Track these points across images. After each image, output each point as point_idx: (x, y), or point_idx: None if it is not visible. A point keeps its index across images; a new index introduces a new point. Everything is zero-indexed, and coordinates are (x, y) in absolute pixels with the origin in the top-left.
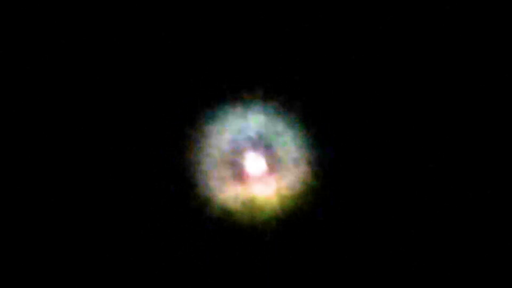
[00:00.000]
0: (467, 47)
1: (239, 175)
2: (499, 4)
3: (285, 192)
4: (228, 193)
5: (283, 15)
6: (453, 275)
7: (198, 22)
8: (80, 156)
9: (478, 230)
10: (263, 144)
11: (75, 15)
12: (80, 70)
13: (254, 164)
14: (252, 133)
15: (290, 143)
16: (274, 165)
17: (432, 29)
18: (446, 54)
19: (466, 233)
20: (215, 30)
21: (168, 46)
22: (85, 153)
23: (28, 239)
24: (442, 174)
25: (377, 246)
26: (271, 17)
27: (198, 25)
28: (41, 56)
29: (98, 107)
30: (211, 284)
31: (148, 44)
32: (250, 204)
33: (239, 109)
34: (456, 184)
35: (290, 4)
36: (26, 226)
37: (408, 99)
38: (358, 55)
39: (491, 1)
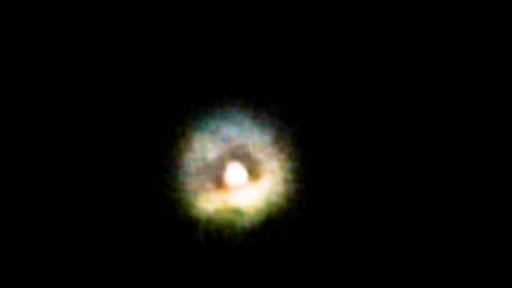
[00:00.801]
0: (466, 47)
1: (220, 184)
2: (499, 4)
3: (266, 200)
4: (209, 202)
5: (262, 25)
6: (450, 274)
7: (182, 35)
8: (59, 162)
9: (475, 230)
10: (244, 153)
11: (61, 12)
12: (67, 70)
13: (235, 173)
14: (232, 142)
15: (271, 152)
16: (255, 174)
17: (425, 29)
18: (440, 55)
19: (463, 233)
20: (198, 41)
21: (152, 55)
22: (65, 160)
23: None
24: (437, 176)
25: (362, 253)
26: (251, 25)
27: (181, 38)
28: (28, 54)
29: (80, 116)
30: None
31: (128, 56)
32: (230, 213)
33: (220, 118)
34: (453, 185)
35: (269, 15)
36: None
37: (395, 107)
38: (342, 64)
39: (491, 1)
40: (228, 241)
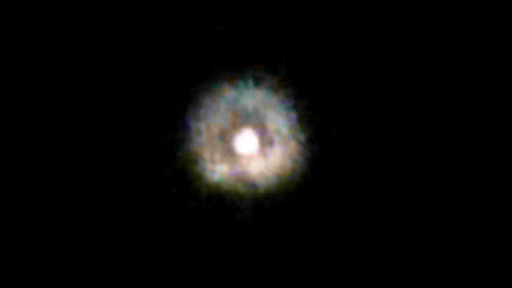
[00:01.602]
0: (463, 47)
1: (231, 152)
2: (499, 4)
3: (278, 170)
4: (220, 170)
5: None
6: (445, 274)
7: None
8: (71, 130)
9: (470, 230)
10: (257, 121)
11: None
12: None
13: (247, 141)
14: (245, 110)
15: (283, 121)
16: (267, 142)
17: (421, 29)
18: (436, 54)
19: (458, 233)
20: (211, 7)
21: (163, 19)
22: (76, 124)
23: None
24: (438, 173)
25: (368, 228)
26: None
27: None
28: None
29: (88, 80)
30: (203, 264)
31: (141, 16)
32: (242, 181)
33: (233, 86)
34: (450, 186)
35: None
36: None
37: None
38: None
39: (491, 1)
40: (237, 211)
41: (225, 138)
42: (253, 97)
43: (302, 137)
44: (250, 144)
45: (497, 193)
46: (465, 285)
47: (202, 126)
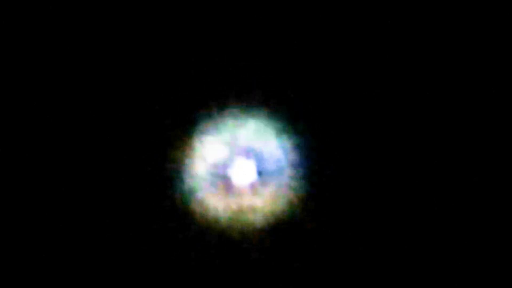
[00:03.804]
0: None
1: (228, 185)
2: (499, 4)
3: (277, 202)
4: (218, 204)
5: (267, 24)
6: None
7: (183, 30)
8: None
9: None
10: (254, 154)
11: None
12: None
13: (245, 174)
14: (242, 143)
15: (281, 153)
16: (265, 175)
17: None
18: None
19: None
20: (202, 41)
21: (154, 53)
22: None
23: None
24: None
25: (369, 252)
26: (256, 24)
27: (184, 34)
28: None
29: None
30: None
31: (130, 53)
32: (240, 215)
33: (229, 118)
34: (448, 187)
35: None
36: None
37: (397, 104)
38: (344, 65)
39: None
40: (237, 243)
41: (222, 170)
42: (251, 128)
43: (301, 168)
44: (248, 177)
45: (495, 193)
46: (465, 285)
47: (198, 158)
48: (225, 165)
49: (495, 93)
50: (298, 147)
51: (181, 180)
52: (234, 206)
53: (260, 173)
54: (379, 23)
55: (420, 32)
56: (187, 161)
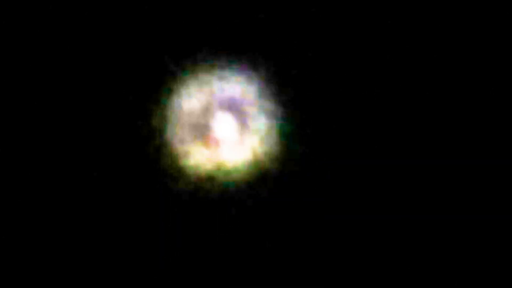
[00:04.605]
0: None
1: (209, 138)
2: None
3: (257, 157)
4: (197, 157)
5: None
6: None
7: None
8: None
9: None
10: (236, 108)
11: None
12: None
13: (225, 127)
14: (224, 96)
15: (263, 109)
16: (245, 129)
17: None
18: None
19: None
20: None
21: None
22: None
23: None
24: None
25: (356, 208)
26: None
27: None
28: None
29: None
30: (180, 257)
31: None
32: (220, 169)
33: (213, 70)
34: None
35: None
36: None
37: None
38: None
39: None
40: (213, 198)
41: (201, 125)
42: (234, 81)
43: (282, 124)
44: (227, 130)
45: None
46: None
47: (177, 112)
48: (207, 118)
49: (495, 93)
50: (283, 102)
51: (162, 133)
52: (215, 159)
53: (240, 127)
54: (370, 26)
55: (416, 33)
56: (168, 113)
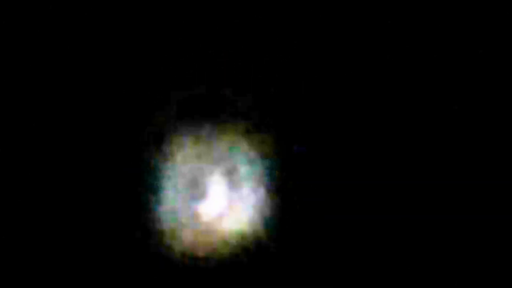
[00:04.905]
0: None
1: (199, 212)
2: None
3: (248, 221)
4: (188, 221)
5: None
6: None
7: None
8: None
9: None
10: (228, 171)
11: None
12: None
13: (217, 190)
14: (217, 159)
15: (255, 170)
16: (235, 201)
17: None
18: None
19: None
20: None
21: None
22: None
23: None
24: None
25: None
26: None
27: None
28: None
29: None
30: None
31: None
32: (209, 242)
33: (204, 132)
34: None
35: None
36: None
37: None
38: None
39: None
40: (205, 268)
41: (194, 186)
42: (226, 144)
43: (275, 186)
44: (221, 194)
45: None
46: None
47: (171, 174)
48: (199, 182)
49: (495, 93)
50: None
51: (154, 202)
52: (203, 234)
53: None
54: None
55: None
56: (159, 176)
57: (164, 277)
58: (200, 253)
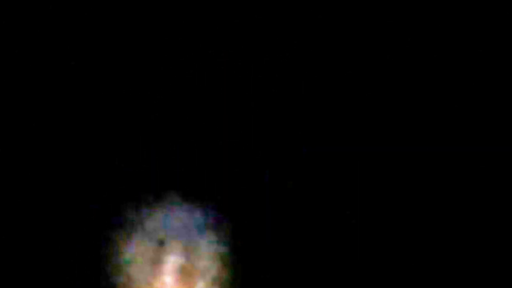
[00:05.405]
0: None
1: (157, 274)
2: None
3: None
4: None
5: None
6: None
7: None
8: None
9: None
10: (183, 243)
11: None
12: None
13: (173, 262)
14: (170, 232)
15: (211, 242)
16: (194, 264)
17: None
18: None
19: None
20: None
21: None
22: None
23: None
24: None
25: None
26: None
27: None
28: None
29: None
30: None
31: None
32: None
33: (158, 206)
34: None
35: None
36: None
37: None
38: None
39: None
40: None
41: (151, 258)
42: (180, 216)
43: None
44: (177, 265)
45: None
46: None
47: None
48: (155, 254)
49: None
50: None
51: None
52: None
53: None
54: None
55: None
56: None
57: None
58: None
